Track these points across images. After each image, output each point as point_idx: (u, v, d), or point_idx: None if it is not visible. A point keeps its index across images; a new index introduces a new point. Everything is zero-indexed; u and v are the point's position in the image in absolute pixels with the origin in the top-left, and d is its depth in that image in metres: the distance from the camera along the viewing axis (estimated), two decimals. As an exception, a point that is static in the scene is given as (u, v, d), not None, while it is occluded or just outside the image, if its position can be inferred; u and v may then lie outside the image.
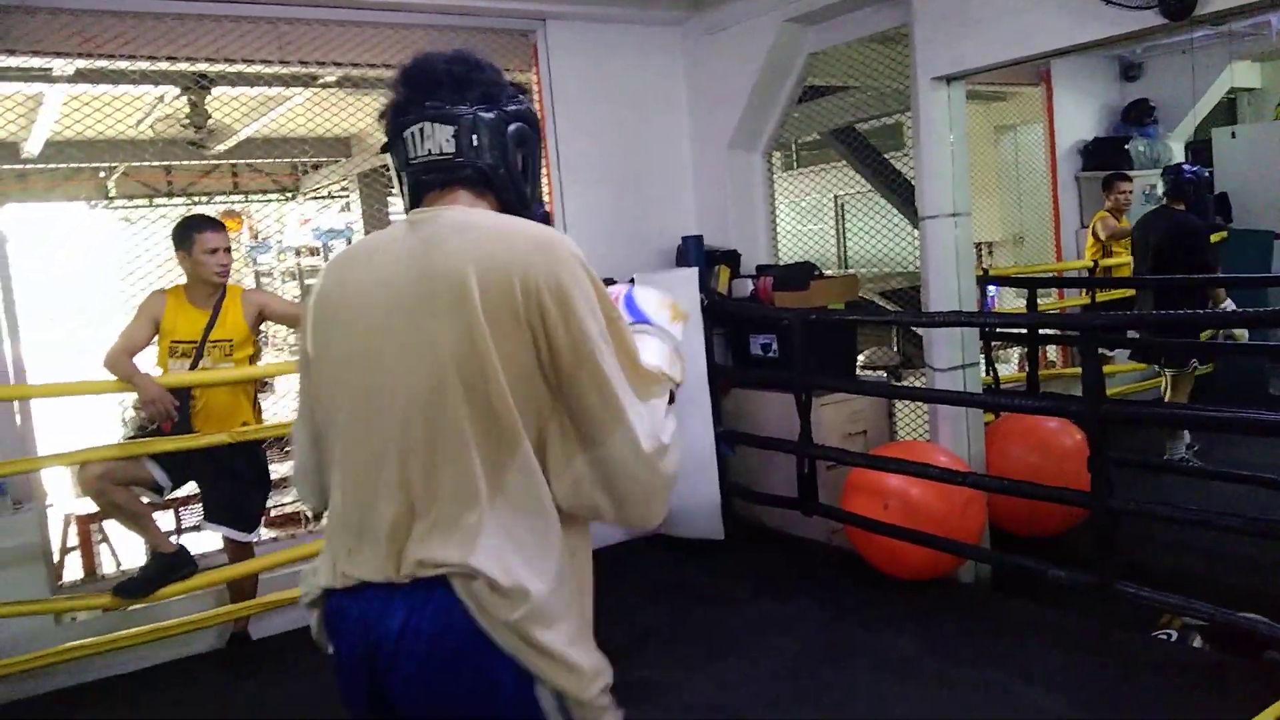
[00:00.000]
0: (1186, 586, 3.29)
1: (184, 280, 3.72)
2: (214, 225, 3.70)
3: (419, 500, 1.36)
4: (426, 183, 1.50)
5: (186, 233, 3.64)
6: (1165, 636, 3.58)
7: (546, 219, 3.61)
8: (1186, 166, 5.63)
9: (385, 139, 1.53)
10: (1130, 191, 6.46)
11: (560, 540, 1.38)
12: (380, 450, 1.39)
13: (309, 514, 6.61)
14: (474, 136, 1.47)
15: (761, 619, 3.89)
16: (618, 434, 1.35)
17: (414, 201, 1.52)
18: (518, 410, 1.35)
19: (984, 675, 3.29)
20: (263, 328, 3.99)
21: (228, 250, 3.69)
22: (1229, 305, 5.74)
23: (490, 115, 1.48)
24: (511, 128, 1.51)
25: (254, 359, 3.84)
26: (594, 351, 1.35)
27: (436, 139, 1.46)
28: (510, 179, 1.51)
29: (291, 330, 4.13)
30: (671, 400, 1.51)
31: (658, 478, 1.38)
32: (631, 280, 3.73)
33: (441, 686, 1.33)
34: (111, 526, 5.86)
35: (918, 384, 5.12)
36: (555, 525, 1.38)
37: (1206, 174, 5.62)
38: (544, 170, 1.41)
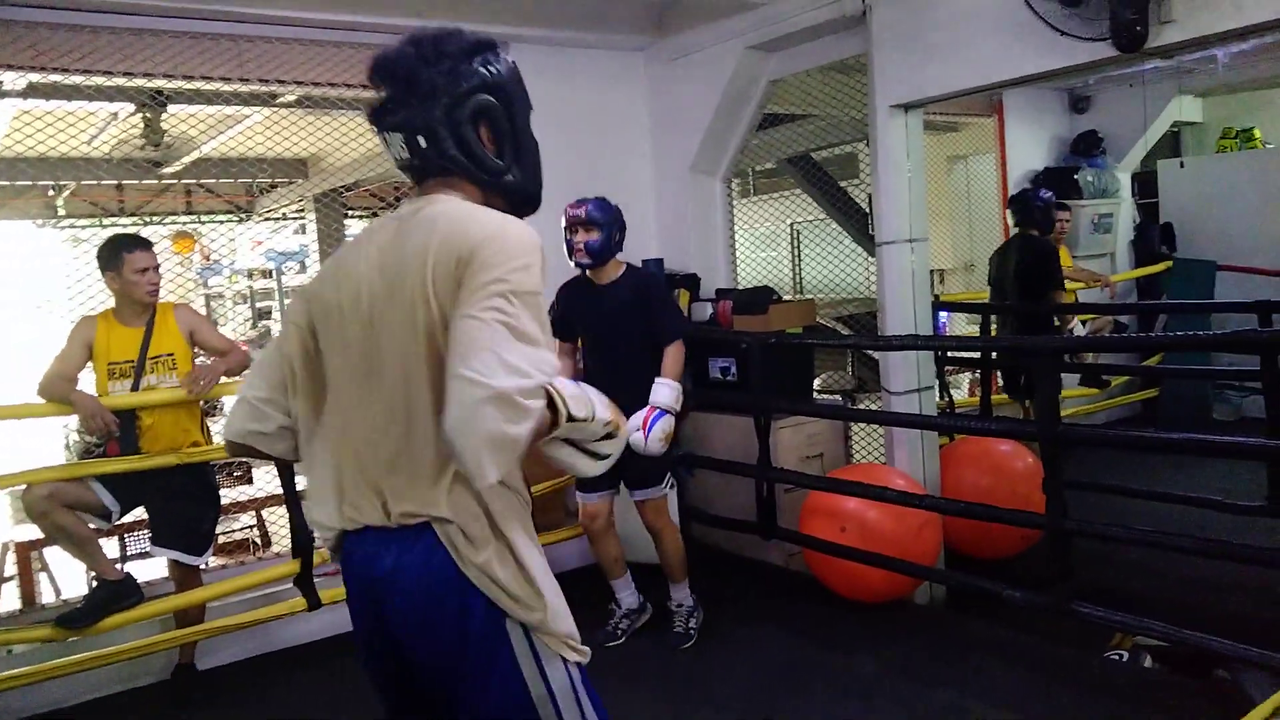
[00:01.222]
0: (1140, 606, 3.33)
1: (112, 304, 3.64)
2: (142, 244, 3.63)
3: (400, 456, 1.52)
4: (410, 176, 1.69)
5: (115, 253, 3.55)
6: (1117, 657, 3.63)
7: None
8: (1037, 194, 5.80)
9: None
10: (1069, 220, 6.54)
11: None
12: (373, 411, 1.56)
13: (258, 541, 6.49)
14: (421, 139, 1.59)
15: (720, 643, 3.88)
16: (465, 370, 1.33)
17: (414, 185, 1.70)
18: None
19: (941, 696, 3.31)
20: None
21: (156, 269, 3.63)
22: (1079, 328, 5.87)
23: (437, 111, 1.58)
24: (469, 105, 1.60)
25: None
26: (476, 306, 1.40)
27: (395, 146, 1.63)
28: (470, 161, 1.62)
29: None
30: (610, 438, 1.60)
31: (491, 422, 1.30)
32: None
33: (425, 615, 1.51)
34: (52, 555, 5.67)
35: (873, 407, 5.16)
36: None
37: (1053, 198, 5.86)
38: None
